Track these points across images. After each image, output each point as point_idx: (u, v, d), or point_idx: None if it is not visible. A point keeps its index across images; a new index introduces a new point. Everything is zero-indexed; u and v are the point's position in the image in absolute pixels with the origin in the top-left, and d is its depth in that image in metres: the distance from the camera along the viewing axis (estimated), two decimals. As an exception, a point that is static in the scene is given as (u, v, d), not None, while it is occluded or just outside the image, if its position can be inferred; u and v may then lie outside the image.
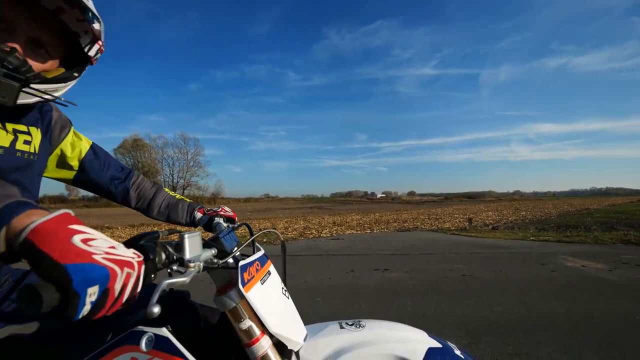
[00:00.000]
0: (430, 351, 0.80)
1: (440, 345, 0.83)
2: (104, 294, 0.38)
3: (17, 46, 0.62)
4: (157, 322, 0.64)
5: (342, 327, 0.86)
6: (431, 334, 0.90)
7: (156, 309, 0.46)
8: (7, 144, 0.69)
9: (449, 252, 5.89)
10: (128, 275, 0.41)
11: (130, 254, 0.44)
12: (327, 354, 0.78)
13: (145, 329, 0.64)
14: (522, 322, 2.63)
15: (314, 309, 3.07)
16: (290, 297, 0.82)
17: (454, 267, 4.65)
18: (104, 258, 0.39)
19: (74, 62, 0.74)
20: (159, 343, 0.63)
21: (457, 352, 0.84)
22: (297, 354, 0.75)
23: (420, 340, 0.84)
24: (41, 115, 0.81)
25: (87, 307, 0.37)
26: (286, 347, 0.72)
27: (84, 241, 0.39)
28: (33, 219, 0.38)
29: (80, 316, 0.37)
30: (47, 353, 0.70)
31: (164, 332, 0.64)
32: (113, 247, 0.42)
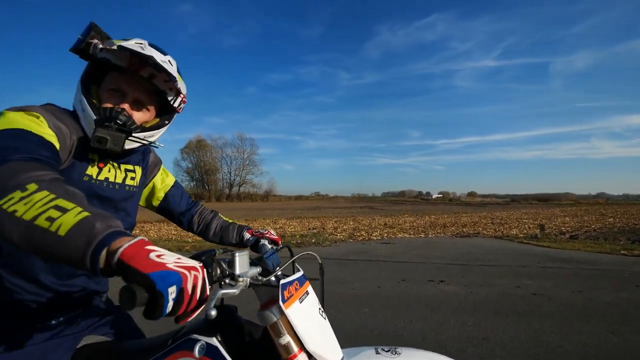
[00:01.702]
0: None
1: None
2: (181, 292, 0.48)
3: (126, 106, 0.86)
4: (208, 331, 0.74)
5: (377, 353, 0.85)
6: None
7: (213, 312, 0.56)
8: (120, 181, 0.92)
9: (515, 265, 5.29)
10: (195, 277, 0.52)
11: (193, 262, 0.54)
12: None
13: (199, 337, 0.73)
14: (610, 357, 2.21)
15: (361, 320, 2.96)
16: (327, 319, 0.84)
17: (522, 283, 4.15)
18: (175, 265, 0.50)
19: (165, 112, 0.97)
20: (210, 351, 0.71)
21: None
22: None
23: None
24: (143, 156, 1.03)
25: (170, 304, 0.46)
26: None
27: (157, 256, 0.50)
28: (123, 244, 0.50)
29: (166, 312, 0.46)
30: (119, 355, 0.83)
31: (214, 341, 0.72)
32: (179, 258, 0.53)
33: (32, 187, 0.55)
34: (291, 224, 14.40)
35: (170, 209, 1.19)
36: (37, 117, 0.73)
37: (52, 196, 0.53)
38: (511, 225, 12.91)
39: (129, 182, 0.95)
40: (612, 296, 3.59)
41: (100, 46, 0.82)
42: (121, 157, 0.92)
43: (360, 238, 9.29)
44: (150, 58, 0.79)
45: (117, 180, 0.91)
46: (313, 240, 8.68)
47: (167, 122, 0.95)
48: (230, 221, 1.29)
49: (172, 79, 0.85)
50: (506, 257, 5.96)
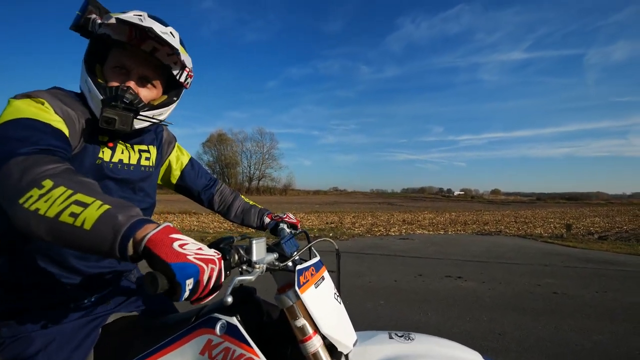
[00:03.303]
0: None
1: None
2: (197, 284, 0.51)
3: (132, 84, 0.83)
4: (229, 311, 0.77)
5: (391, 337, 0.86)
6: (487, 356, 0.85)
7: (229, 299, 0.59)
8: (135, 162, 0.91)
9: (537, 263, 5.17)
10: (212, 270, 0.53)
11: (212, 253, 0.56)
12: None
13: (220, 316, 0.76)
14: (633, 359, 2.18)
15: (377, 312, 3.04)
16: (342, 303, 0.86)
17: (543, 282, 4.07)
18: (195, 257, 0.52)
19: (172, 88, 0.93)
20: (230, 330, 0.74)
21: None
22: (346, 357, 0.79)
23: None
24: (156, 135, 1.01)
25: (186, 293, 0.50)
26: (336, 349, 0.77)
27: (180, 246, 0.52)
28: (148, 232, 0.52)
29: (182, 299, 0.51)
30: (146, 330, 0.87)
31: (234, 321, 0.75)
32: (200, 249, 0.54)
33: (48, 183, 0.55)
34: (309, 217, 14.56)
35: (188, 187, 1.17)
36: (42, 104, 0.71)
37: (70, 191, 0.54)
38: (536, 224, 12.49)
39: (144, 162, 0.93)
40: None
41: (99, 21, 0.79)
42: (133, 137, 0.90)
43: (378, 233, 9.29)
44: (150, 30, 0.75)
45: (131, 162, 0.89)
46: (331, 234, 8.77)
47: (175, 98, 0.92)
48: (251, 203, 1.29)
49: (175, 51, 0.81)
50: (528, 256, 5.81)
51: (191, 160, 1.18)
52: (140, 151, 0.93)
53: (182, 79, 0.91)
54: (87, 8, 0.80)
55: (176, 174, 1.14)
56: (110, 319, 0.88)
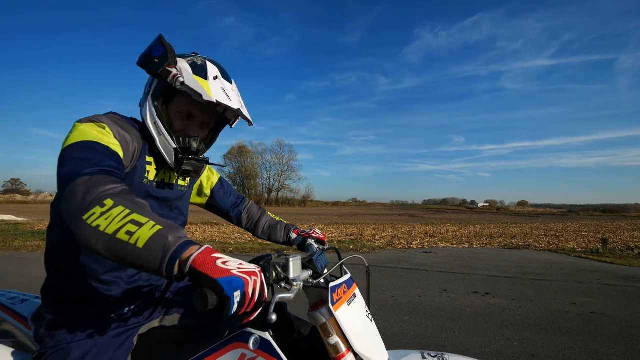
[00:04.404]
0: None
1: None
2: (243, 296, 0.54)
3: (196, 130, 0.94)
4: (262, 326, 0.79)
5: (424, 357, 0.85)
6: None
7: (274, 317, 0.61)
8: (173, 182, 0.99)
9: (572, 281, 4.87)
10: (255, 282, 0.57)
11: (253, 266, 0.60)
12: None
13: (253, 331, 0.78)
14: (684, 389, 2.00)
15: (401, 329, 2.96)
16: (373, 321, 0.86)
17: (579, 301, 3.83)
18: (238, 271, 0.56)
19: (218, 127, 1.05)
20: (263, 345, 0.76)
21: None
22: None
23: None
24: None
25: (235, 306, 0.53)
26: None
27: (223, 263, 0.57)
28: (192, 253, 0.56)
29: (232, 312, 0.53)
30: (180, 341, 0.91)
31: (267, 336, 0.77)
32: (241, 264, 0.59)
33: (109, 202, 0.61)
34: (329, 229, 14.48)
35: (218, 205, 1.24)
36: (104, 128, 0.78)
37: (128, 211, 0.60)
38: (568, 238, 11.79)
39: (180, 182, 1.02)
40: (690, 321, 3.18)
41: (181, 80, 0.82)
42: None
43: (400, 246, 9.10)
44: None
45: (171, 182, 0.97)
46: (351, 247, 8.68)
47: (217, 136, 1.04)
48: (277, 219, 1.34)
49: (239, 113, 0.92)
50: (561, 272, 5.49)
51: (220, 179, 1.24)
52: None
53: (234, 124, 1.04)
54: (167, 61, 0.81)
55: (207, 192, 1.20)
56: (144, 329, 0.92)
